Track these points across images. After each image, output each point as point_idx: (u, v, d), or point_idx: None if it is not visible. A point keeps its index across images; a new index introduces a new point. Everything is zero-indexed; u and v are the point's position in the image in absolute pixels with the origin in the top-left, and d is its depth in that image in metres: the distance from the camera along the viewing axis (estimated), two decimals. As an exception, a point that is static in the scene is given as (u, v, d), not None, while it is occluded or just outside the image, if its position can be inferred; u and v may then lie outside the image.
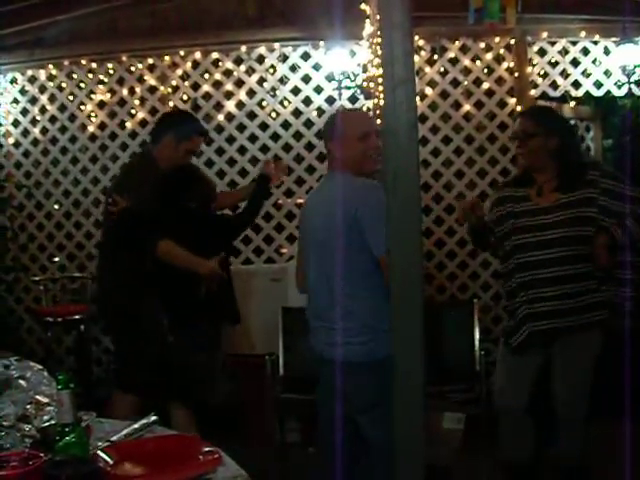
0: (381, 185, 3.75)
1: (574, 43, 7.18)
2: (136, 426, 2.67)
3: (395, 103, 2.68)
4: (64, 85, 7.89)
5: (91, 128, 7.85)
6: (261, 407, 6.17)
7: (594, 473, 4.69)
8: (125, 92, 7.74)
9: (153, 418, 2.72)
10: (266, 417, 6.12)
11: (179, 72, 7.63)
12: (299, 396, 5.80)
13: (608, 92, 7.26)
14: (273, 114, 7.49)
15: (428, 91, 7.23)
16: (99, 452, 2.29)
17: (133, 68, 7.72)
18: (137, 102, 7.73)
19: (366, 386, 3.82)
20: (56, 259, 8.03)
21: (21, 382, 2.66)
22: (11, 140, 8.07)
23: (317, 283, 4.05)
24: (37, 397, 2.58)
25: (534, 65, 7.20)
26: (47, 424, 2.42)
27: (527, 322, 4.49)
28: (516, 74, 7.15)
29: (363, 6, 6.37)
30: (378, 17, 5.83)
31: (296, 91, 7.45)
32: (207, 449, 2.41)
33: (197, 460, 2.37)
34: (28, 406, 2.53)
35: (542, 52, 7.22)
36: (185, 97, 7.63)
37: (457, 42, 7.22)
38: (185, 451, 2.44)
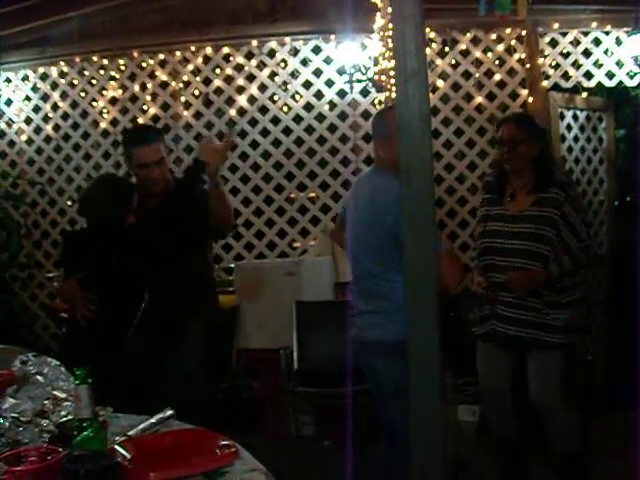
0: None
1: (586, 34, 7.14)
2: (152, 420, 2.67)
3: (407, 95, 2.68)
4: (76, 82, 7.92)
5: (103, 124, 7.88)
6: (276, 401, 6.19)
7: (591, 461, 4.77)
8: (137, 88, 7.76)
9: (169, 412, 2.72)
10: (281, 411, 6.13)
11: (190, 67, 7.64)
12: (314, 389, 5.82)
13: (620, 83, 7.23)
14: (284, 108, 7.49)
15: (439, 83, 7.21)
16: (116, 447, 2.29)
17: (144, 64, 7.74)
18: (149, 98, 7.75)
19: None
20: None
21: (38, 378, 2.67)
22: (24, 137, 8.10)
23: (359, 271, 4.33)
24: (55, 393, 2.59)
25: (545, 56, 7.17)
26: (65, 419, 2.43)
27: (489, 320, 4.73)
28: (527, 65, 7.13)
29: (374, -1, 6.36)
30: (389, 10, 5.86)
31: (307, 85, 7.44)
32: (224, 443, 2.41)
33: (214, 454, 2.38)
34: (46, 401, 2.54)
35: (553, 43, 7.19)
36: (197, 92, 7.64)
37: (468, 34, 7.20)
38: (202, 445, 2.45)
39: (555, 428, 4.59)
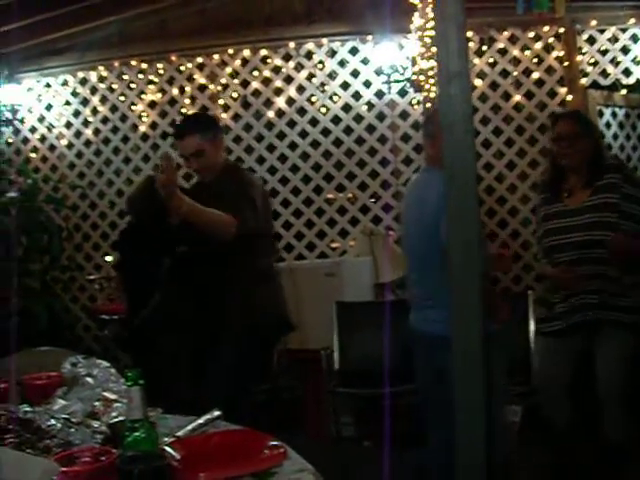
0: None
1: (624, 30, 7.10)
2: (200, 421, 2.69)
3: (450, 96, 2.69)
4: (115, 86, 7.99)
5: (142, 128, 7.94)
6: (317, 401, 6.20)
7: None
8: (175, 91, 7.82)
9: (217, 413, 2.74)
10: (322, 411, 6.14)
11: (228, 70, 7.68)
12: (354, 390, 5.83)
13: (659, 79, 7.19)
14: (323, 109, 7.51)
15: (478, 82, 7.19)
16: (165, 447, 2.31)
17: (183, 67, 7.79)
18: (187, 101, 7.80)
19: None
20: (108, 258, 8.13)
21: (88, 379, 2.70)
22: (64, 142, 8.19)
23: (416, 268, 4.38)
24: (105, 394, 2.62)
25: (584, 53, 7.13)
26: (115, 420, 2.46)
27: (563, 317, 4.70)
28: (566, 63, 7.10)
29: (412, -1, 6.35)
30: (428, 10, 5.87)
31: (345, 86, 7.45)
32: (272, 443, 2.43)
33: (263, 454, 2.39)
34: (96, 403, 2.57)
35: (591, 40, 7.15)
36: (235, 95, 7.68)
37: (506, 32, 7.18)
38: (250, 445, 2.46)
39: (613, 415, 4.53)
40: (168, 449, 2.31)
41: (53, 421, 2.42)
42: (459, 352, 2.71)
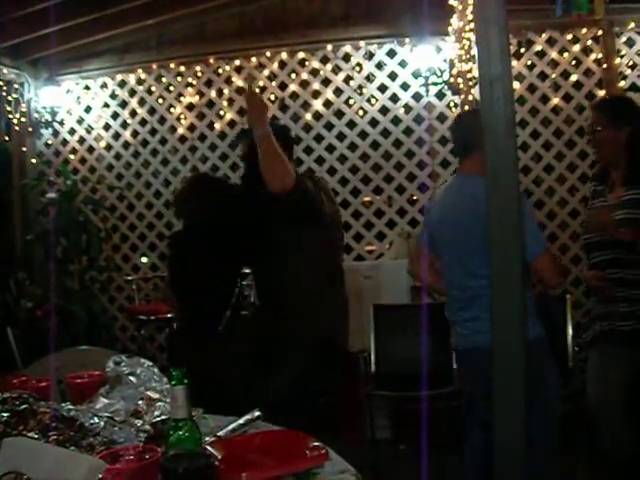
0: None
1: (662, 32, 7.07)
2: (241, 422, 2.70)
3: (492, 99, 2.69)
4: (153, 89, 8.05)
5: (180, 130, 7.99)
6: (354, 404, 6.20)
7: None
8: (213, 94, 7.87)
9: (257, 414, 2.75)
10: (358, 414, 6.14)
11: (266, 72, 7.71)
12: (390, 393, 5.83)
13: (698, 81, 7.13)
14: (360, 112, 7.53)
15: (515, 85, 7.15)
16: (207, 447, 2.33)
17: (221, 70, 7.84)
18: (225, 103, 7.84)
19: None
20: (144, 259, 8.19)
21: (131, 378, 2.71)
22: (102, 143, 8.26)
23: (456, 278, 4.17)
24: (148, 393, 2.63)
25: (622, 56, 7.09)
26: (159, 419, 2.48)
27: (596, 321, 4.33)
28: (604, 66, 7.06)
29: (452, 1, 6.34)
30: (468, 12, 5.86)
31: (383, 88, 7.47)
32: (314, 444, 2.43)
33: (304, 455, 2.39)
34: (139, 402, 2.58)
35: (630, 42, 7.11)
36: (272, 97, 7.70)
37: (544, 35, 7.16)
38: (292, 446, 2.46)
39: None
40: (210, 449, 2.32)
41: (96, 419, 2.43)
42: (500, 359, 2.71)
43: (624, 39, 7.10)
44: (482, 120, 2.75)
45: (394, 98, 7.45)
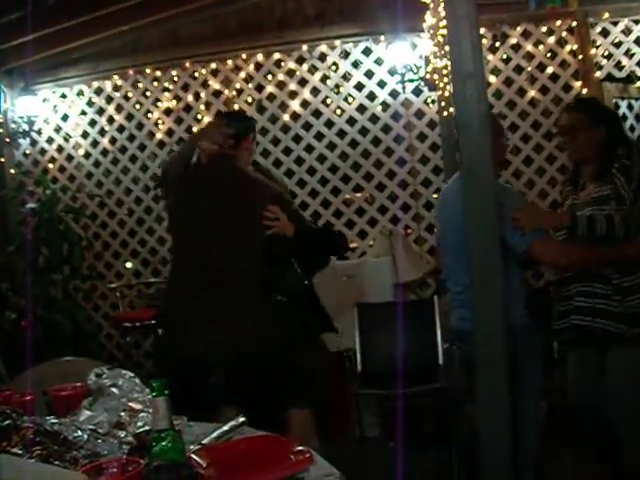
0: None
1: (637, 22, 7.10)
2: (226, 428, 2.69)
3: (465, 96, 2.70)
4: (130, 94, 8.03)
5: (159, 135, 7.97)
6: (340, 403, 6.20)
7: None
8: (190, 98, 7.85)
9: (242, 419, 2.74)
10: (346, 413, 6.14)
11: (242, 75, 7.70)
12: (377, 391, 5.82)
13: (674, 69, 7.17)
14: (338, 111, 7.53)
15: (492, 79, 7.19)
16: (192, 455, 2.32)
17: (197, 74, 7.83)
18: (202, 107, 7.83)
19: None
20: (129, 265, 8.17)
21: (114, 390, 2.70)
22: (81, 151, 8.23)
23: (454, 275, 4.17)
24: (130, 404, 2.62)
25: (597, 46, 7.13)
26: (141, 430, 2.47)
27: (560, 318, 4.30)
28: (580, 57, 7.09)
29: (423, -1, 6.36)
30: (440, 8, 5.87)
31: (360, 87, 7.47)
32: (298, 448, 2.43)
33: (289, 460, 2.39)
34: (122, 413, 2.58)
35: (605, 33, 7.15)
36: (249, 99, 7.70)
37: (518, 28, 7.18)
38: (276, 451, 2.46)
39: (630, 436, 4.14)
40: (194, 457, 2.32)
41: (80, 432, 2.42)
42: (481, 349, 2.72)
43: (599, 29, 7.15)
44: (456, 117, 2.76)
45: (371, 96, 7.46)
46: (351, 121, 7.50)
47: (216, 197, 4.26)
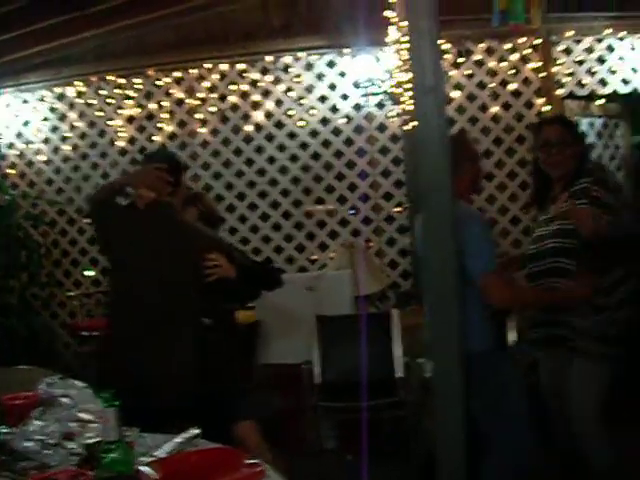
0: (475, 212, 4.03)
1: (599, 40, 7.19)
2: (178, 440, 2.67)
3: (426, 110, 2.70)
4: (92, 101, 7.95)
5: (121, 143, 7.91)
6: (299, 415, 6.18)
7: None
8: (153, 106, 7.79)
9: (195, 432, 2.73)
10: (304, 425, 6.12)
11: (206, 84, 7.66)
12: (336, 404, 5.79)
13: (635, 89, 7.23)
14: (301, 123, 7.51)
15: (455, 94, 7.23)
16: (143, 468, 2.30)
17: (160, 82, 7.77)
18: (165, 116, 7.77)
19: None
20: (90, 272, 8.09)
21: (65, 400, 2.67)
22: (42, 157, 8.14)
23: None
24: (81, 415, 2.60)
25: (560, 64, 7.19)
26: (92, 441, 2.44)
27: (531, 328, 4.45)
28: (542, 74, 7.15)
29: (387, 12, 6.37)
30: (403, 23, 5.88)
31: (323, 99, 7.47)
32: (250, 461, 2.41)
33: (241, 473, 2.37)
34: (73, 424, 2.55)
35: (568, 51, 7.22)
36: (213, 109, 7.65)
37: (482, 44, 7.23)
38: (228, 464, 2.44)
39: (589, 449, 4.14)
40: (146, 469, 2.29)
41: (29, 443, 2.40)
42: (438, 372, 2.71)
43: (562, 48, 7.21)
44: (416, 131, 2.76)
45: (334, 109, 7.46)
46: (314, 133, 7.50)
47: (155, 245, 4.30)
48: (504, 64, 7.24)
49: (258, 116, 7.58)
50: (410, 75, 6.11)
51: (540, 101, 7.16)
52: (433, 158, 2.67)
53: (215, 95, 7.67)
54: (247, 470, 2.38)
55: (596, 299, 4.05)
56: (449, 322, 2.68)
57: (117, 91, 7.88)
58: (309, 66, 7.48)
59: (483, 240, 3.69)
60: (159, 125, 7.80)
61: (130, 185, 4.56)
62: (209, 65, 7.62)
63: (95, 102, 7.96)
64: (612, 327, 4.08)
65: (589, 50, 7.21)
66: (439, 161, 2.69)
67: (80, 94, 8.00)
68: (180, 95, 7.73)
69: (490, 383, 3.63)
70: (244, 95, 7.61)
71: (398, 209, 7.36)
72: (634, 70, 7.20)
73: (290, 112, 7.54)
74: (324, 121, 7.49)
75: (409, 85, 6.27)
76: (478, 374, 3.82)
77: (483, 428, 3.81)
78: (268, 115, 7.58)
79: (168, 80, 7.75)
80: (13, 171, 8.26)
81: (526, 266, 4.44)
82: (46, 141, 8.16)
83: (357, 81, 7.21)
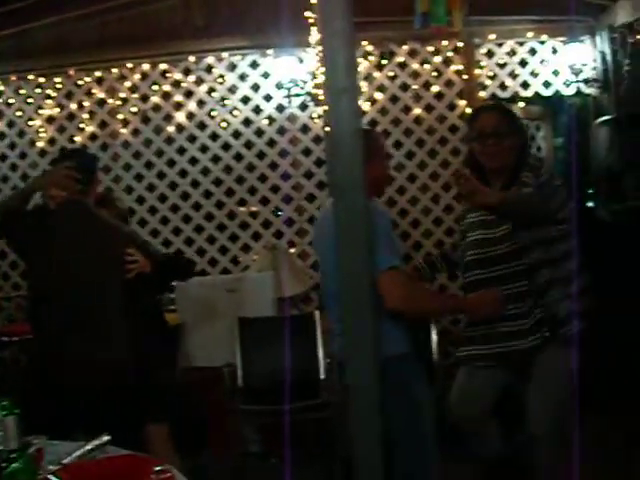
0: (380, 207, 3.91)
1: (521, 44, 7.30)
2: (88, 447, 2.62)
3: (339, 112, 2.68)
4: (12, 101, 7.79)
5: (40, 143, 7.75)
6: (221, 419, 6.13)
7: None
8: (74, 106, 7.66)
9: (106, 438, 2.68)
10: (227, 429, 6.08)
11: (127, 84, 7.56)
12: (259, 407, 5.77)
13: (557, 91, 7.33)
14: (223, 124, 7.44)
15: (378, 96, 7.25)
16: (50, 476, 2.25)
17: (81, 82, 7.64)
18: (86, 116, 7.65)
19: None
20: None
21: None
22: (-41, 158, 7.98)
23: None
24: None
25: (482, 67, 7.27)
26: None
27: (473, 343, 4.14)
28: (465, 76, 7.22)
29: (308, 13, 6.37)
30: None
31: (246, 100, 7.42)
32: (158, 468, 2.38)
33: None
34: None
35: (490, 54, 7.31)
36: (134, 109, 7.55)
37: (405, 46, 7.26)
38: (137, 471, 2.41)
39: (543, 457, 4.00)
40: (52, 478, 2.24)
41: None
42: (354, 384, 2.69)
43: (484, 50, 7.30)
44: (330, 132, 2.74)
45: (257, 110, 7.41)
46: (236, 134, 7.44)
47: (73, 243, 4.30)
48: (427, 66, 7.28)
49: (180, 117, 7.49)
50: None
51: (462, 103, 7.21)
52: (347, 159, 2.65)
53: (137, 95, 7.57)
54: (156, 476, 2.34)
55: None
56: (364, 326, 2.66)
57: (37, 91, 7.74)
58: (232, 66, 7.42)
59: (384, 235, 3.57)
60: (80, 125, 7.68)
61: (38, 188, 4.52)
62: (131, 65, 7.52)
63: (14, 102, 7.81)
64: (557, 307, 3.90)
65: (511, 53, 7.31)
66: (353, 162, 2.66)
67: (-1, 93, 7.87)
68: (101, 95, 7.62)
69: (397, 390, 3.57)
70: (166, 95, 7.52)
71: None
72: (555, 73, 7.31)
73: (213, 113, 7.47)
74: (247, 122, 7.43)
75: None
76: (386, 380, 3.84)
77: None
78: (190, 116, 7.50)
79: (89, 80, 7.62)
80: None
81: (465, 274, 4.19)
82: (-37, 141, 8.00)
83: (280, 82, 7.18)
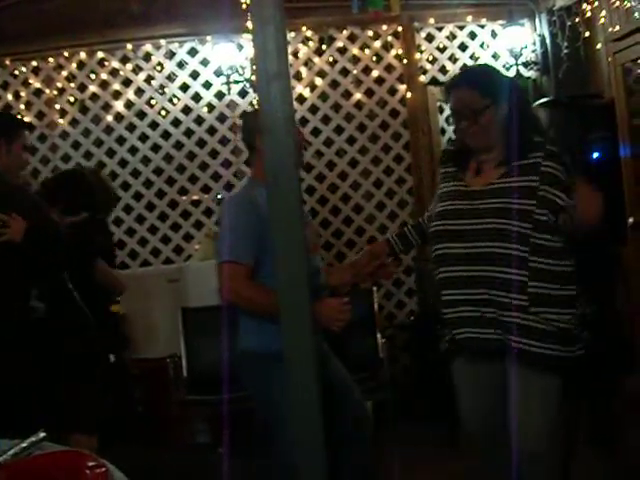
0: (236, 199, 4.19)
1: (461, 28, 7.35)
2: (24, 445, 2.57)
3: (270, 98, 2.65)
4: (-55, 93, 7.67)
5: (-24, 135, 7.63)
6: (167, 410, 6.10)
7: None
8: (10, 97, 7.53)
9: (42, 435, 2.63)
10: (173, 420, 6.06)
11: (64, 74, 7.45)
12: (205, 397, 5.75)
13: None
14: (163, 112, 7.38)
15: (318, 81, 7.23)
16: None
17: (17, 72, 7.51)
18: (23, 106, 7.52)
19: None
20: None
21: None
22: None
23: None
24: None
25: (422, 51, 7.30)
26: None
27: (448, 328, 3.60)
28: (405, 61, 7.23)
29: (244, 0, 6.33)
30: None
31: (185, 88, 7.35)
32: (92, 463, 2.34)
33: (84, 475, 2.30)
34: None
35: (430, 38, 7.34)
36: (72, 99, 7.45)
37: (345, 31, 7.24)
38: (72, 467, 2.37)
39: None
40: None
41: None
42: (291, 365, 2.66)
43: (424, 35, 7.33)
44: (261, 120, 2.71)
45: (196, 97, 7.35)
46: (176, 122, 7.37)
47: None
48: (367, 51, 7.28)
49: (119, 106, 7.40)
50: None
51: (403, 87, 7.23)
52: (279, 146, 2.62)
53: (74, 85, 7.45)
54: (90, 472, 2.31)
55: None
56: (302, 321, 2.63)
57: (-29, 82, 7.62)
58: (170, 54, 7.34)
59: (229, 229, 3.71)
60: (16, 117, 7.56)
61: None
62: (67, 54, 7.40)
63: (-52, 93, 7.68)
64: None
65: (451, 37, 7.33)
66: (286, 151, 2.63)
67: None
68: (38, 85, 7.49)
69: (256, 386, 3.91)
70: (104, 84, 7.41)
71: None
72: (495, 57, 7.35)
73: (152, 101, 7.40)
74: (186, 110, 7.36)
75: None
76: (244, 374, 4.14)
77: None
78: (129, 105, 7.41)
79: (25, 69, 7.49)
80: None
81: (433, 247, 3.66)
82: None
83: (219, 69, 7.12)
